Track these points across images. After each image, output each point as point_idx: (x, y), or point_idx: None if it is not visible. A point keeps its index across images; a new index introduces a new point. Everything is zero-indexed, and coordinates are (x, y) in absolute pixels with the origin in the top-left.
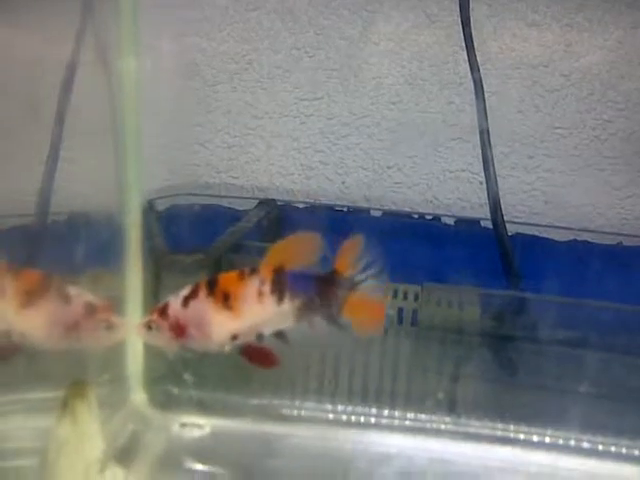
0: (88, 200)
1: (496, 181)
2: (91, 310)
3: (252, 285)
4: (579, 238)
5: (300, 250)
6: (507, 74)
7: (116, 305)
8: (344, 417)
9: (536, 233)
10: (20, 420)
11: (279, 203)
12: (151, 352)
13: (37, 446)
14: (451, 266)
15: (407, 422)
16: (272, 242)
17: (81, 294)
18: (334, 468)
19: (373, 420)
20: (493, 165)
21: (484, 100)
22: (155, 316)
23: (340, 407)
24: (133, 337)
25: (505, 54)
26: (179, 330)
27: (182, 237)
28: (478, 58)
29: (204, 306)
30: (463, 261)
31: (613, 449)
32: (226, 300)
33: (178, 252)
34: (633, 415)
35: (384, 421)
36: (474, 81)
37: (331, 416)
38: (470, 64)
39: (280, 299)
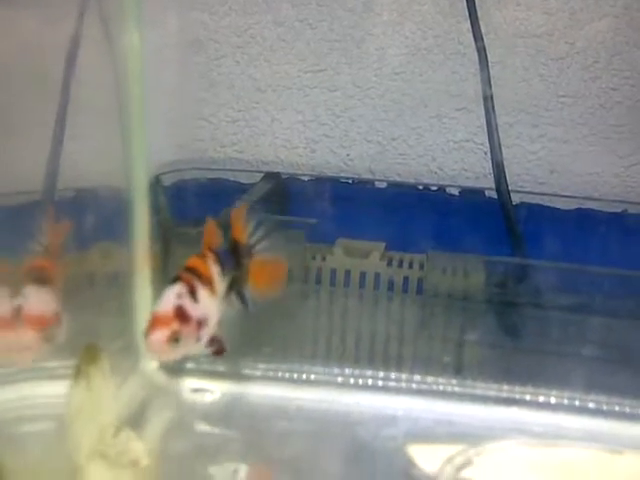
0: (96, 176)
1: (500, 149)
2: (12, 316)
3: (214, 266)
4: (584, 206)
5: (216, 235)
6: (511, 43)
7: (125, 280)
8: (352, 380)
9: (541, 202)
10: (36, 387)
11: (284, 176)
12: None
13: (55, 412)
14: (456, 235)
15: (413, 385)
16: (277, 214)
17: (26, 296)
18: (342, 429)
19: (380, 383)
20: (497, 133)
21: (488, 69)
22: (176, 325)
23: (347, 371)
24: (142, 304)
25: (509, 23)
26: (199, 328)
27: (189, 210)
28: (482, 27)
29: (206, 296)
30: (468, 230)
31: (617, 408)
32: (210, 284)
33: (185, 225)
34: (636, 375)
35: (391, 384)
36: (478, 50)
37: (339, 379)
38: (474, 33)
39: (223, 278)
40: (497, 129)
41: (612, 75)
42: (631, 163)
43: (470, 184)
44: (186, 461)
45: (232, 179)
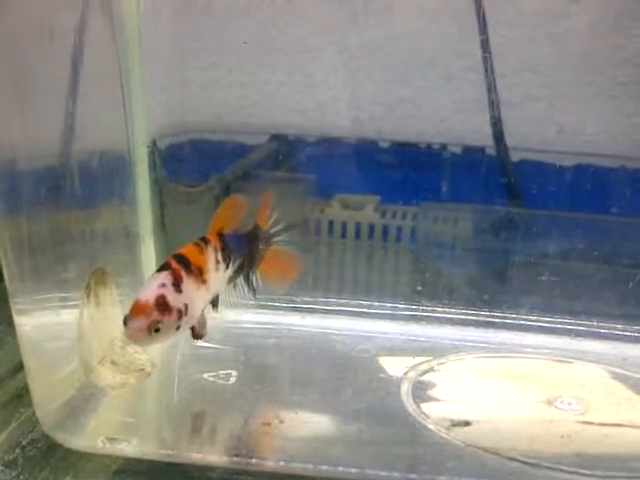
0: (102, 142)
1: (498, 104)
2: None
3: (212, 255)
4: (583, 162)
5: (234, 213)
6: (517, 1)
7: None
8: (333, 308)
9: (542, 159)
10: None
11: (290, 138)
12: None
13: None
14: (453, 191)
15: (387, 311)
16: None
17: None
18: (322, 345)
19: (357, 310)
20: (496, 90)
21: (486, 29)
22: (157, 315)
23: (331, 300)
24: (146, 247)
25: None
26: (179, 318)
27: (194, 171)
28: None
29: (192, 286)
30: (467, 186)
31: (568, 327)
32: (201, 275)
33: (188, 185)
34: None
35: (367, 310)
36: (477, 12)
37: (323, 307)
38: None
39: (227, 265)
40: (496, 86)
41: (620, 33)
42: (638, 122)
43: (478, 144)
44: (184, 369)
45: (238, 141)
